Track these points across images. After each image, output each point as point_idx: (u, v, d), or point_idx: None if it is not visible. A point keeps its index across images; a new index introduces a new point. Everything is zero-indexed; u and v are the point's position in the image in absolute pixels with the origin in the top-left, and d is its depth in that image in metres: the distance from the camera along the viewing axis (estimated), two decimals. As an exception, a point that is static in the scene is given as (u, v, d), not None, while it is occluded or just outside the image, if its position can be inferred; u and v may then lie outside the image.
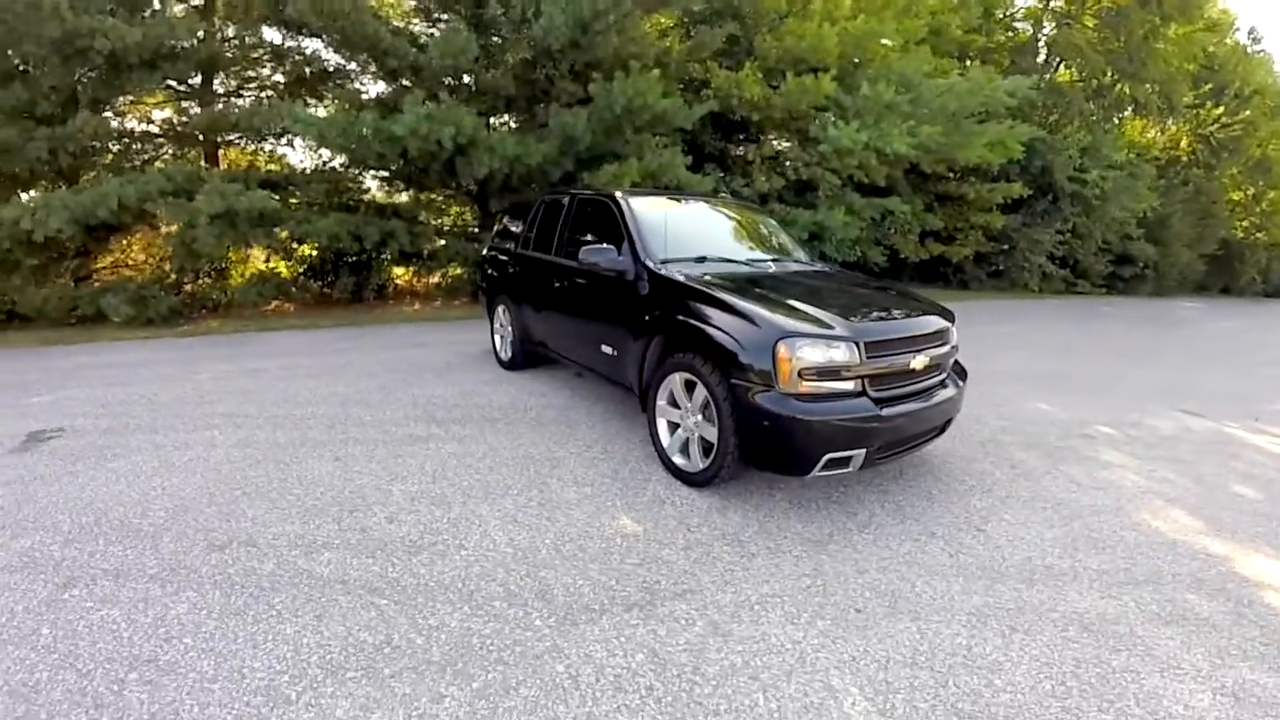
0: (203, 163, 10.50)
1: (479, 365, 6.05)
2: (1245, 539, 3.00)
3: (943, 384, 3.27)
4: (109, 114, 9.44)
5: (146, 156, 10.26)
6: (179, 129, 10.05)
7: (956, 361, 3.63)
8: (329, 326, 8.75)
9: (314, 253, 10.72)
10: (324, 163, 10.35)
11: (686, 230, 4.15)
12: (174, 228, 8.36)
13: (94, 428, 4.27)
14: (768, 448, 2.84)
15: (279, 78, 10.89)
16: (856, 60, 11.27)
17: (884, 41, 10.89)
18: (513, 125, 10.21)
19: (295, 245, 10.17)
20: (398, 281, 12.44)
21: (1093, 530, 3.01)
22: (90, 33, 7.00)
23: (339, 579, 2.44)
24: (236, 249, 9.13)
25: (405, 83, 9.47)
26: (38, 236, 7.22)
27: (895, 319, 3.19)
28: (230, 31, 9.91)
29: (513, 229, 5.79)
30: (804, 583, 2.47)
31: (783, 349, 2.73)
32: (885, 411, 2.83)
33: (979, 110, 11.57)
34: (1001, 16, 16.69)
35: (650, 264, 3.64)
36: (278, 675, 1.93)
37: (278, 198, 9.30)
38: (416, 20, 10.58)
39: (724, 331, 2.97)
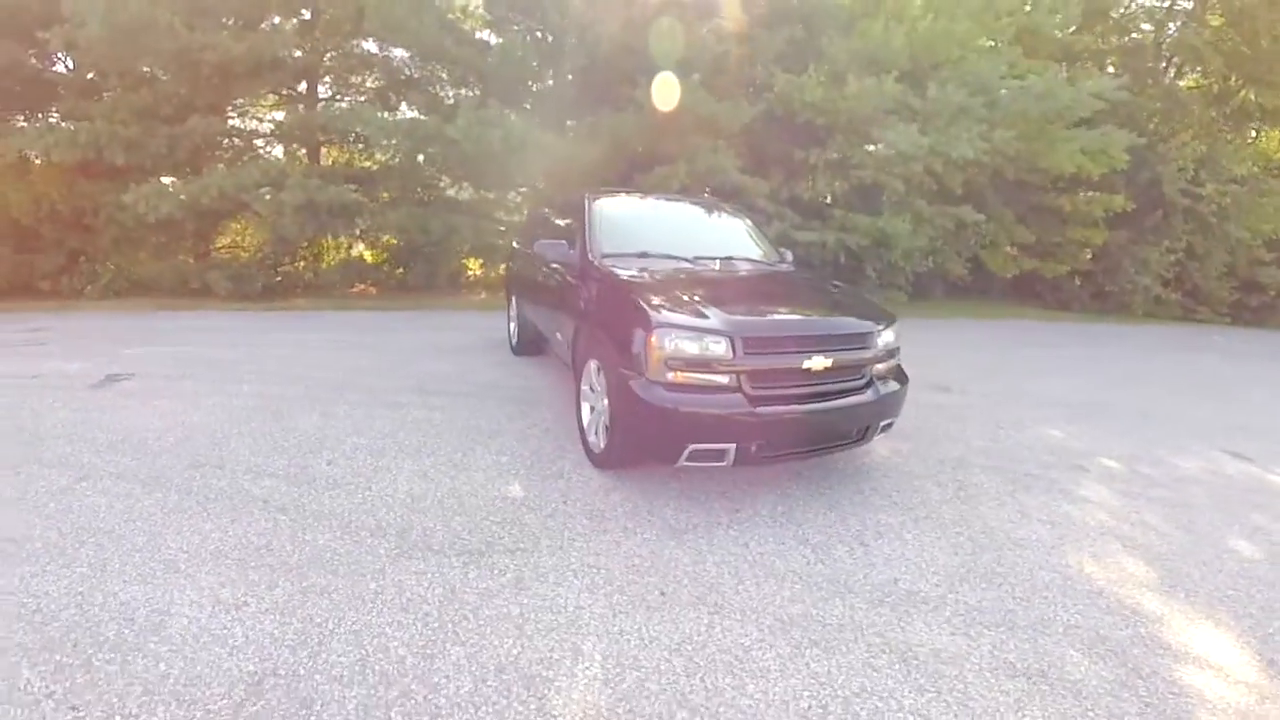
0: (305, 159, 12.18)
1: (492, 349, 6.71)
2: (1203, 602, 2.64)
3: (859, 389, 3.20)
4: (232, 116, 11.25)
5: (258, 153, 11.99)
6: (282, 130, 11.68)
7: (898, 367, 3.60)
8: (395, 309, 9.86)
9: (395, 242, 12.03)
10: (392, 160, 11.52)
11: (643, 228, 4.46)
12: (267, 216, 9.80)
13: (157, 374, 5.33)
14: (639, 433, 3.02)
15: (371, 84, 12.32)
16: (934, 64, 10.92)
17: (958, 41, 10.44)
18: (571, 129, 10.91)
19: (375, 235, 11.46)
20: (471, 272, 13.62)
21: (1001, 564, 2.79)
22: (201, 47, 8.51)
23: (263, 499, 3.07)
24: (321, 236, 10.49)
25: (473, 91, 10.49)
26: (150, 219, 8.83)
27: (791, 318, 3.27)
28: (330, 44, 11.39)
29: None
30: (633, 561, 2.61)
31: (653, 339, 2.87)
32: (761, 409, 2.85)
33: (1065, 113, 10.78)
34: (1117, 17, 15.27)
35: (592, 257, 3.98)
36: (180, 553, 2.56)
37: (357, 191, 10.62)
38: (488, 30, 11.59)
39: (619, 320, 3.26)
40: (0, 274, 9.20)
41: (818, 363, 3.02)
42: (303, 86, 11.92)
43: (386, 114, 10.05)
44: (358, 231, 10.72)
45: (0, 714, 1.76)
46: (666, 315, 2.96)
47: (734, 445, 2.87)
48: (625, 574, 2.54)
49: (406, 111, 12.02)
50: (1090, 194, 13.27)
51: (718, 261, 4.23)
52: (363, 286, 11.98)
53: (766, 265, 4.43)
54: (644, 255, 4.01)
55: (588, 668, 2.00)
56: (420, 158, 10.77)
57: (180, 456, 3.57)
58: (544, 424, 4.30)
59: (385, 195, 11.44)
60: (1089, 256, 14.29)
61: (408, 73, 11.64)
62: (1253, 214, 14.18)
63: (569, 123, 10.77)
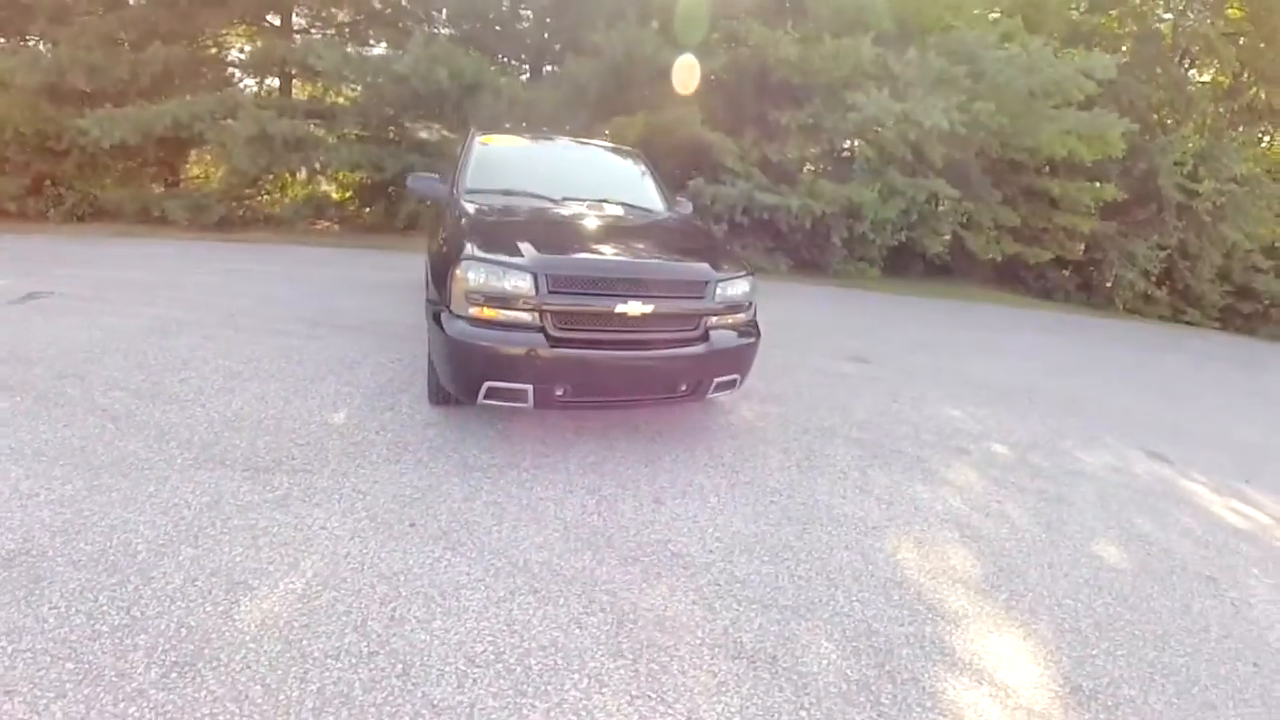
0: (274, 92, 12.29)
1: (409, 289, 6.93)
2: (1024, 609, 2.51)
3: (689, 341, 3.14)
4: (211, 46, 11.30)
5: (229, 84, 12.08)
6: (249, 62, 11.77)
7: (751, 323, 3.52)
8: (347, 247, 10.10)
9: (359, 180, 12.18)
10: (357, 96, 11.53)
11: (518, 167, 4.54)
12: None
13: (76, 294, 5.64)
14: (443, 368, 3.09)
15: (344, 18, 12.29)
16: (921, 29, 10.69)
17: (949, 6, 10.19)
18: (530, 72, 10.90)
19: (333, 171, 11.62)
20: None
21: (802, 540, 2.73)
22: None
23: (104, 408, 3.39)
24: (276, 170, 10.68)
25: (439, 29, 10.47)
26: (105, 144, 9.07)
27: (610, 259, 3.15)
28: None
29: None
30: (405, 492, 2.76)
31: (458, 270, 2.91)
32: (562, 351, 2.85)
33: (1052, 89, 10.53)
34: (1137, 2, 14.68)
35: (456, 193, 4.06)
36: (5, 449, 2.90)
37: (320, 126, 10.75)
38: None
39: (443, 254, 3.36)
40: None
41: (634, 308, 2.94)
42: (279, 20, 11.96)
43: (354, 49, 10.08)
44: (317, 166, 10.87)
45: None
46: (475, 249, 2.98)
47: (531, 386, 2.91)
48: (388, 503, 2.68)
49: (379, 49, 12.04)
50: (1081, 181, 13.05)
51: (586, 204, 4.10)
52: (326, 224, 12.22)
53: (641, 210, 4.31)
54: (507, 193, 4.02)
55: (292, 583, 2.16)
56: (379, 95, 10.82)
57: (52, 368, 3.89)
58: (411, 359, 4.56)
59: (352, 131, 11.56)
60: (1081, 247, 14.12)
61: (378, 7, 11.59)
62: (1250, 216, 13.87)
63: (528, 67, 10.74)
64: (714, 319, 3.27)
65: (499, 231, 3.34)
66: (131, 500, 2.61)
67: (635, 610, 2.16)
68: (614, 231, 3.75)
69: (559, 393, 2.98)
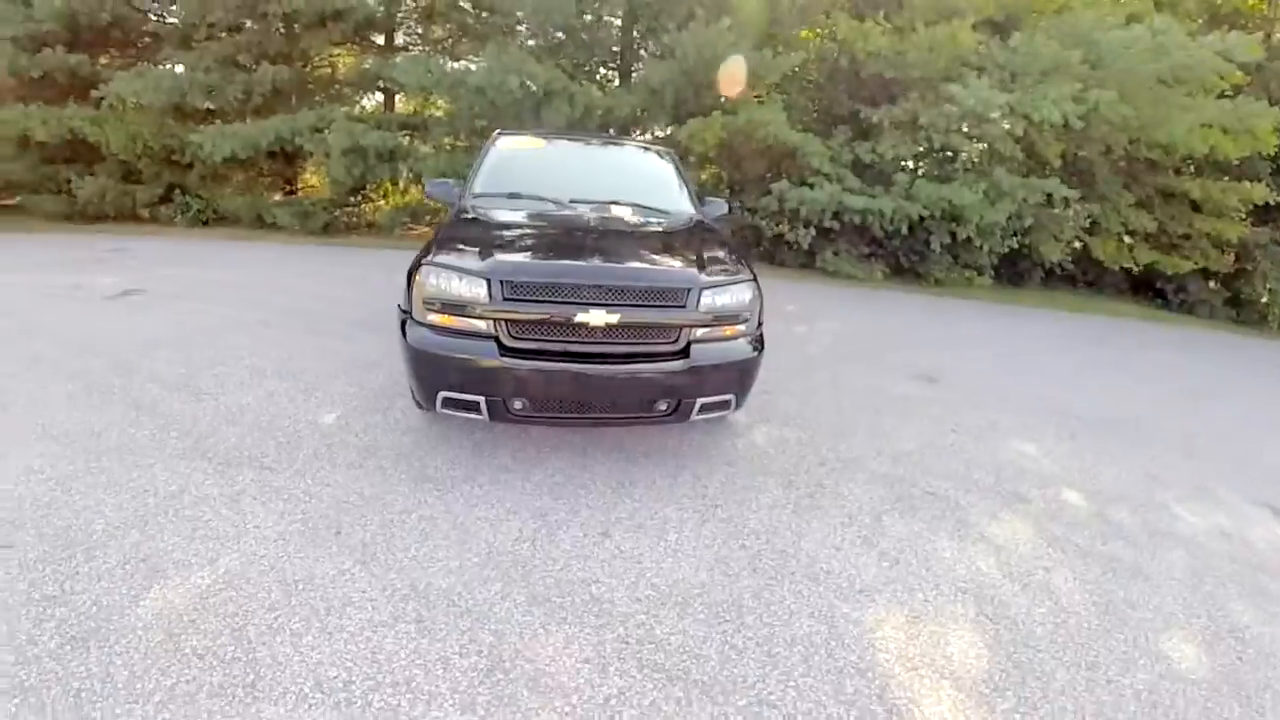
0: (380, 107, 13.30)
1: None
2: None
3: (665, 355, 2.87)
4: (324, 65, 12.45)
5: (340, 101, 13.20)
6: (349, 79, 12.82)
7: (755, 337, 3.20)
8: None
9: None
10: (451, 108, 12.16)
11: (531, 169, 4.43)
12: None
13: (163, 292, 6.32)
14: (408, 375, 3.02)
15: (441, 34, 13.06)
16: (1029, 11, 9.64)
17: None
18: (603, 78, 10.98)
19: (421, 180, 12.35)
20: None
21: (756, 600, 2.31)
22: (265, -1, 9.64)
23: (136, 399, 3.68)
24: (370, 179, 11.48)
25: (531, 41, 10.81)
26: (215, 158, 10.19)
27: (572, 265, 2.92)
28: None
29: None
30: (350, 498, 2.76)
31: (419, 276, 2.86)
32: (515, 362, 2.72)
33: (1184, 75, 9.04)
34: None
35: (465, 198, 4.02)
36: (38, 428, 3.24)
37: (412, 137, 11.47)
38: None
39: (416, 261, 3.22)
40: (110, 202, 11.09)
41: (596, 317, 2.73)
42: (383, 39, 12.98)
43: (435, 64, 10.61)
44: (409, 175, 11.58)
45: None
46: (436, 254, 2.92)
47: (483, 398, 2.78)
48: (328, 507, 2.69)
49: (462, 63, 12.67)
50: (1227, 181, 11.17)
51: (592, 206, 3.91)
52: (421, 229, 13.01)
53: (656, 212, 4.03)
54: (514, 196, 3.93)
55: (202, 577, 2.22)
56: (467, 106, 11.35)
57: (111, 359, 4.32)
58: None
59: (446, 142, 12.22)
60: (1231, 256, 12.08)
61: (470, 22, 12.20)
62: None
63: (616, 74, 10.82)
64: (701, 331, 2.95)
65: (473, 237, 3.21)
66: (113, 484, 2.79)
67: (514, 660, 1.94)
68: (607, 235, 3.49)
69: (517, 406, 2.82)
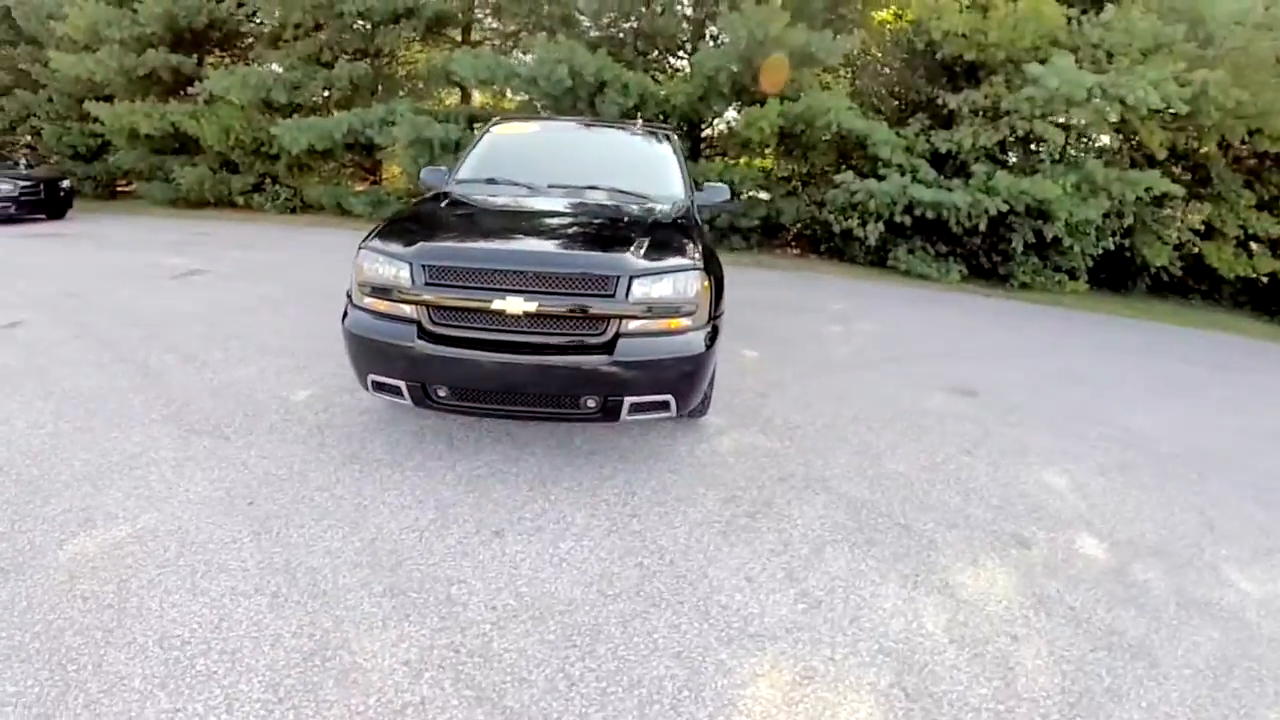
0: (458, 102, 13.93)
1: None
2: None
3: (590, 348, 2.72)
4: (410, 60, 13.22)
5: (414, 96, 13.92)
6: (420, 75, 13.49)
7: (706, 331, 2.92)
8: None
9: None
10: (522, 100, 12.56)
11: (516, 155, 4.40)
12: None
13: (222, 272, 6.92)
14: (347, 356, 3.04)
15: (512, 28, 13.45)
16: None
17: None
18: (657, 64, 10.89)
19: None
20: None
21: (624, 631, 2.06)
22: (339, -1, 10.41)
23: (145, 365, 4.05)
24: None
25: (595, 32, 10.92)
26: (293, 150, 11.06)
27: (492, 249, 2.89)
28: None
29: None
30: (280, 472, 2.86)
31: (357, 259, 2.91)
32: (432, 348, 2.69)
33: None
34: None
35: (448, 185, 4.08)
36: (55, 388, 3.62)
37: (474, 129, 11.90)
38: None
39: None
40: (209, 190, 12.33)
41: (514, 305, 2.62)
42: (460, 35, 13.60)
43: (492, 58, 10.90)
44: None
45: None
46: (374, 238, 2.95)
47: (404, 383, 2.79)
48: (254, 478, 2.80)
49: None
50: None
51: (565, 192, 3.87)
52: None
53: (634, 198, 3.83)
54: (491, 182, 3.96)
55: (119, 531, 2.38)
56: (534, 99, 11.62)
57: (147, 331, 4.77)
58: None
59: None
60: None
61: (531, 15, 12.47)
62: None
63: (669, 60, 10.71)
64: (633, 324, 2.75)
65: (420, 221, 3.22)
66: (93, 442, 3.06)
67: (338, 649, 1.91)
68: (561, 222, 3.41)
69: (441, 393, 2.79)
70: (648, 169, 4.44)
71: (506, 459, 3.15)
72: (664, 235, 3.20)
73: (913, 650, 2.09)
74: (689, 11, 10.41)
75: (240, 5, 12.00)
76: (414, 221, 3.26)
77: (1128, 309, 10.08)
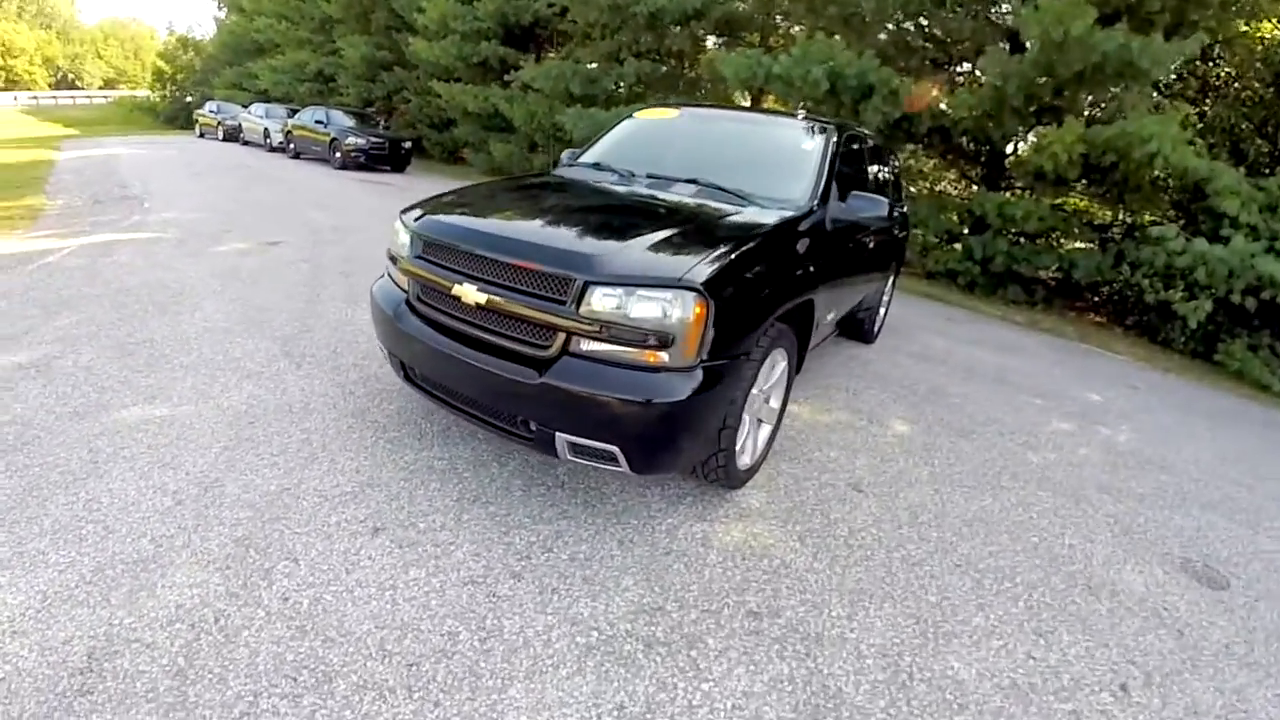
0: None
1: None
2: None
3: (523, 357, 2.37)
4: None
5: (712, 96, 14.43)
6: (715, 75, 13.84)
7: (689, 370, 2.34)
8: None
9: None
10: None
11: (641, 145, 4.19)
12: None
13: (302, 242, 6.97)
14: None
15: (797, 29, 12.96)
16: None
17: None
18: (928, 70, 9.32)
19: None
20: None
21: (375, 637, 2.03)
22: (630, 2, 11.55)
23: (179, 335, 4.11)
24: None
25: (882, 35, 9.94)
26: (574, 135, 12.35)
27: (480, 230, 2.66)
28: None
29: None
30: (256, 443, 2.94)
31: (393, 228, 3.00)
32: (406, 322, 2.68)
33: None
34: None
35: (565, 165, 4.12)
36: (95, 354, 3.70)
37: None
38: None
39: None
40: (515, 164, 14.72)
41: (469, 293, 2.42)
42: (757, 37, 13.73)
43: (756, 57, 10.47)
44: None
45: None
46: (413, 208, 2.97)
47: (390, 354, 2.88)
48: (221, 452, 2.86)
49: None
50: None
51: (653, 183, 3.52)
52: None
53: (729, 197, 3.30)
54: (597, 168, 3.85)
55: (74, 506, 2.43)
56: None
57: (189, 296, 4.92)
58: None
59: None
60: None
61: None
62: None
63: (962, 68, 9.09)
64: (589, 345, 2.28)
65: (468, 196, 3.22)
66: (77, 388, 3.32)
67: (121, 572, 2.10)
68: (599, 217, 3.04)
69: (417, 373, 2.77)
70: (770, 167, 3.80)
71: (487, 455, 3.06)
72: (694, 240, 2.60)
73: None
74: (990, 12, 8.68)
75: (549, 5, 13.93)
76: (467, 195, 3.28)
77: None
